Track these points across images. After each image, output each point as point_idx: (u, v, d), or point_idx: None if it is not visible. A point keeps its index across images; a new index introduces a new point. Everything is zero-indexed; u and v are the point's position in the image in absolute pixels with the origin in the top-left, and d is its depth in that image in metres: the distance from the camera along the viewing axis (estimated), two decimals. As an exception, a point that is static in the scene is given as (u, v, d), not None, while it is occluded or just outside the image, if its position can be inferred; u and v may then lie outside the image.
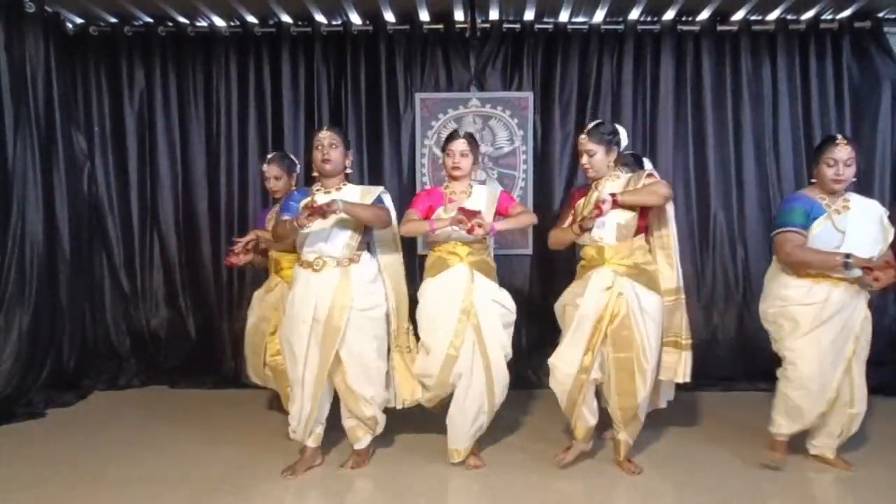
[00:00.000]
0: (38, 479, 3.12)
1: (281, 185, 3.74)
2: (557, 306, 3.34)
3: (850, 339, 3.11)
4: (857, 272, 2.99)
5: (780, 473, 3.16)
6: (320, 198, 3.11)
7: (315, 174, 3.26)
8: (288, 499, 2.95)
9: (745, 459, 3.31)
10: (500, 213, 3.31)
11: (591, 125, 3.18)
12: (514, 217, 3.27)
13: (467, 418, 3.21)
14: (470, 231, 3.00)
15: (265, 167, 3.78)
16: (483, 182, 4.82)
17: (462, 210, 3.06)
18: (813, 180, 3.16)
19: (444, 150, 3.38)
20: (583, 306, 3.07)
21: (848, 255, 2.94)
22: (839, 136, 3.08)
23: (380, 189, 3.33)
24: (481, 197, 3.33)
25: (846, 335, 3.11)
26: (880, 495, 2.93)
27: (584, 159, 3.15)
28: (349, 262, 3.16)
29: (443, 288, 3.24)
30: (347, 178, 3.30)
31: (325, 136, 3.18)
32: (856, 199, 3.10)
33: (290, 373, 3.18)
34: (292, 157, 3.96)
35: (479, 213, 3.06)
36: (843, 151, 3.00)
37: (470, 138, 3.34)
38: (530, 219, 3.35)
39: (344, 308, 3.09)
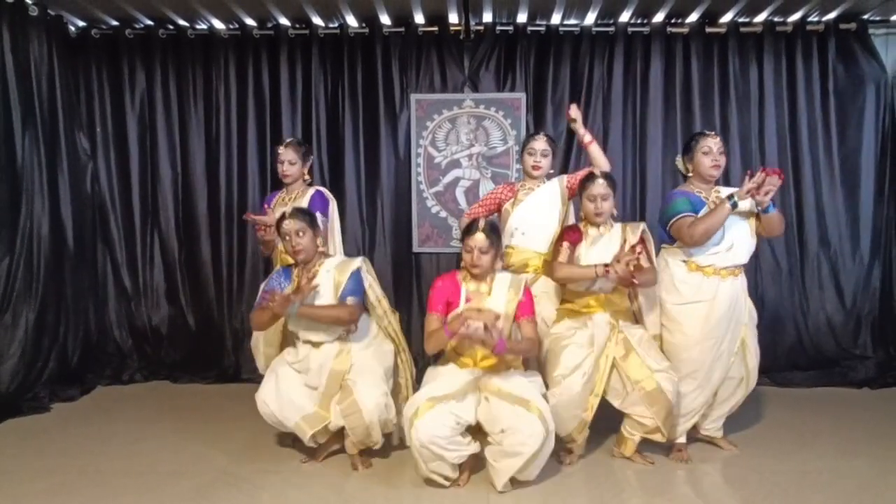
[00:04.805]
0: (44, 471, 3.21)
1: (294, 170, 3.69)
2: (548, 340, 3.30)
3: (738, 335, 3.28)
4: (746, 205, 3.17)
5: (762, 463, 3.26)
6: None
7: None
8: (288, 490, 3.02)
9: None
10: (516, 319, 3.08)
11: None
12: (518, 347, 3.04)
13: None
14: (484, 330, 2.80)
15: (281, 150, 3.69)
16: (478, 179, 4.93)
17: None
18: (689, 175, 3.34)
19: (462, 241, 3.13)
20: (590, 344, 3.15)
21: (730, 196, 3.10)
22: (707, 131, 3.38)
23: (357, 262, 3.22)
24: (501, 293, 3.08)
25: (735, 333, 3.26)
26: (863, 486, 3.01)
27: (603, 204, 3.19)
28: (347, 333, 3.19)
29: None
30: (325, 255, 3.29)
31: (291, 225, 3.10)
32: (724, 190, 3.29)
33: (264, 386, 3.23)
34: (308, 146, 3.93)
35: (497, 317, 2.84)
36: (715, 142, 3.26)
37: (490, 232, 3.04)
38: (532, 352, 3.13)
39: (342, 373, 3.12)
